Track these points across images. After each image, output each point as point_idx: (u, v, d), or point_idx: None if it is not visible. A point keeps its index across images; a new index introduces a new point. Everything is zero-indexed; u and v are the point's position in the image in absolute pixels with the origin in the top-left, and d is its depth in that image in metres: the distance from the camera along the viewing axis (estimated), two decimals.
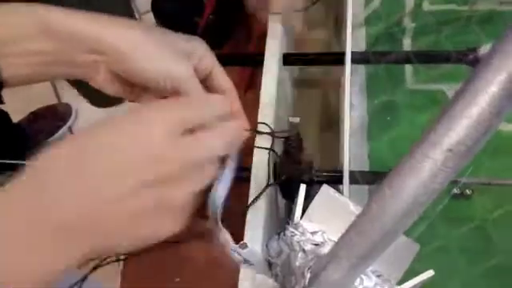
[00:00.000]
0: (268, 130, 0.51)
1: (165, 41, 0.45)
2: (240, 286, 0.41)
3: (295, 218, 0.36)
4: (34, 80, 0.45)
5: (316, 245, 0.34)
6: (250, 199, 0.48)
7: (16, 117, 1.77)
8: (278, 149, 0.51)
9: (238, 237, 0.34)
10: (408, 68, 0.68)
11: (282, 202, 0.53)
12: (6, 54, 0.43)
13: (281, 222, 0.52)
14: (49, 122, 1.83)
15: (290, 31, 0.70)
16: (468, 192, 0.55)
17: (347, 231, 0.29)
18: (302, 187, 0.38)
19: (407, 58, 0.59)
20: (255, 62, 0.61)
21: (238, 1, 0.77)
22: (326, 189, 0.35)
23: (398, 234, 0.27)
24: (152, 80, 0.44)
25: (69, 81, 1.49)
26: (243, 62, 0.66)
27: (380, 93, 0.67)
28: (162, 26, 0.78)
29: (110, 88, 0.46)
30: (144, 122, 0.35)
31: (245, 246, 0.33)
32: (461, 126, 0.22)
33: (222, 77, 0.48)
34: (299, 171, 0.49)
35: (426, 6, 0.72)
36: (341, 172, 0.50)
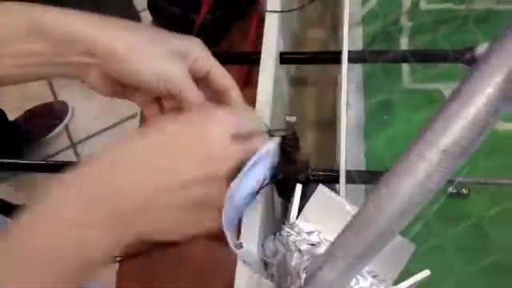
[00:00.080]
0: (265, 129, 0.51)
1: (159, 41, 0.45)
2: (236, 286, 0.41)
3: (291, 217, 0.36)
4: (26, 80, 0.45)
5: (312, 245, 0.34)
6: None
7: (12, 115, 1.76)
8: None
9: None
10: (405, 67, 0.67)
11: (278, 201, 0.53)
12: None
13: (277, 221, 0.52)
14: (45, 119, 1.83)
15: (287, 30, 0.69)
16: (464, 191, 0.55)
17: (343, 231, 0.29)
18: (298, 187, 0.38)
19: (404, 57, 0.59)
20: (252, 60, 0.61)
21: None
22: (321, 188, 0.35)
23: (394, 234, 0.27)
24: (145, 81, 0.44)
25: None
26: (240, 60, 0.66)
27: (377, 92, 0.67)
28: (158, 24, 0.78)
29: (103, 89, 0.46)
30: (202, 125, 0.38)
31: (240, 246, 0.33)
32: (456, 127, 0.22)
33: (222, 75, 0.48)
34: (295, 170, 0.48)
35: (423, 5, 0.72)
36: (337, 171, 0.50)
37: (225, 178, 0.36)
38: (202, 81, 0.48)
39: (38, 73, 0.44)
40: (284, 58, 0.60)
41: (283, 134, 0.47)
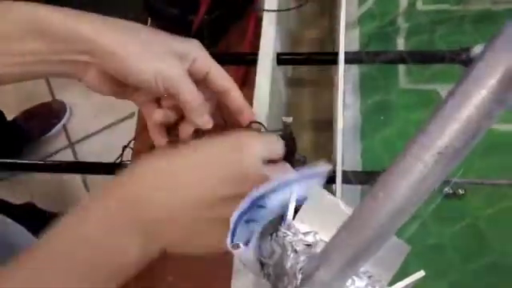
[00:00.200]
0: (262, 129, 0.51)
1: (158, 42, 0.45)
2: (232, 286, 0.42)
3: (287, 218, 0.36)
4: (24, 78, 0.46)
5: (308, 245, 0.34)
6: None
7: (11, 115, 1.76)
8: None
9: None
10: (401, 68, 0.68)
11: None
12: None
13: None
14: (44, 119, 1.84)
15: (285, 30, 0.70)
16: (461, 192, 0.55)
17: (339, 232, 0.29)
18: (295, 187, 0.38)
19: (401, 58, 0.60)
20: (249, 61, 0.61)
21: None
22: (317, 189, 0.35)
23: (389, 235, 0.27)
24: (144, 81, 0.44)
25: None
26: (237, 61, 0.66)
27: (373, 92, 0.67)
28: (156, 25, 0.78)
29: (100, 87, 0.47)
30: (238, 147, 0.40)
31: (237, 247, 0.33)
32: (450, 129, 0.22)
33: (221, 76, 0.49)
34: None
35: (420, 6, 0.72)
36: (333, 172, 0.50)
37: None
38: (201, 82, 0.48)
39: (36, 71, 0.45)
40: (281, 59, 0.60)
41: (280, 133, 0.48)
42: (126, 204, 0.38)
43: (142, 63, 0.43)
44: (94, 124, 1.87)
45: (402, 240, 0.32)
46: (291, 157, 0.47)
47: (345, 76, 0.54)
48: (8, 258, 0.36)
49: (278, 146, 0.44)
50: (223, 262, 0.43)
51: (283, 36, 0.67)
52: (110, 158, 0.65)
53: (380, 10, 0.73)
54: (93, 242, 0.37)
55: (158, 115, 0.50)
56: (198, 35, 0.69)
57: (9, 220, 0.91)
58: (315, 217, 0.35)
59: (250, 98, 0.52)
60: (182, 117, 0.51)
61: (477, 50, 0.55)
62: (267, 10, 0.60)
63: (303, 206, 0.36)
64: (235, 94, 0.49)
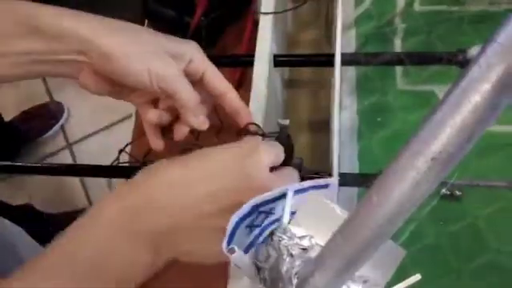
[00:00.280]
0: (259, 131, 0.51)
1: (154, 42, 0.45)
2: None
3: (283, 222, 0.36)
4: (20, 78, 0.46)
5: (304, 249, 0.34)
6: None
7: (9, 116, 1.76)
8: None
9: None
10: (398, 69, 0.67)
11: None
12: None
13: None
14: (41, 120, 1.84)
15: (281, 32, 0.69)
16: (458, 193, 0.55)
17: (334, 236, 0.29)
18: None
19: (398, 59, 0.59)
20: (245, 62, 0.61)
21: (229, 1, 0.77)
22: (314, 193, 0.35)
23: (384, 239, 0.27)
24: (140, 81, 0.44)
25: None
26: (234, 62, 0.66)
27: (370, 94, 0.67)
28: (152, 26, 0.78)
29: (94, 87, 0.47)
30: (246, 156, 0.40)
31: (233, 251, 0.33)
32: (444, 134, 0.22)
33: (217, 78, 0.49)
34: None
35: (417, 7, 0.72)
36: (330, 174, 0.50)
37: None
38: (197, 83, 0.48)
39: (32, 71, 0.45)
40: (278, 61, 0.60)
41: (277, 135, 0.47)
42: (136, 213, 0.38)
43: (138, 64, 0.43)
44: (91, 125, 1.87)
45: (397, 244, 0.32)
46: (289, 160, 0.47)
47: (342, 77, 0.54)
48: (6, 259, 0.36)
49: (280, 152, 0.44)
50: (223, 263, 0.43)
51: (280, 37, 0.66)
52: (108, 159, 0.65)
53: (377, 10, 0.73)
54: (102, 249, 0.38)
55: (152, 115, 0.50)
56: (195, 37, 0.69)
57: (7, 221, 0.91)
58: (311, 221, 0.35)
59: (246, 100, 0.52)
60: (177, 118, 0.51)
61: (473, 51, 0.55)
62: (264, 13, 0.60)
63: (299, 209, 0.36)
64: (231, 96, 0.49)
